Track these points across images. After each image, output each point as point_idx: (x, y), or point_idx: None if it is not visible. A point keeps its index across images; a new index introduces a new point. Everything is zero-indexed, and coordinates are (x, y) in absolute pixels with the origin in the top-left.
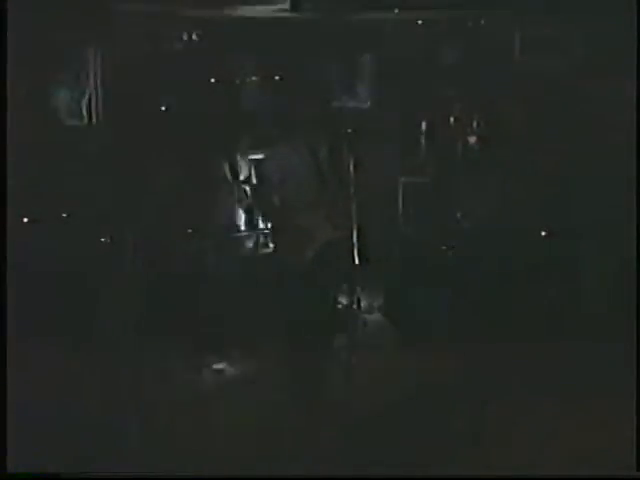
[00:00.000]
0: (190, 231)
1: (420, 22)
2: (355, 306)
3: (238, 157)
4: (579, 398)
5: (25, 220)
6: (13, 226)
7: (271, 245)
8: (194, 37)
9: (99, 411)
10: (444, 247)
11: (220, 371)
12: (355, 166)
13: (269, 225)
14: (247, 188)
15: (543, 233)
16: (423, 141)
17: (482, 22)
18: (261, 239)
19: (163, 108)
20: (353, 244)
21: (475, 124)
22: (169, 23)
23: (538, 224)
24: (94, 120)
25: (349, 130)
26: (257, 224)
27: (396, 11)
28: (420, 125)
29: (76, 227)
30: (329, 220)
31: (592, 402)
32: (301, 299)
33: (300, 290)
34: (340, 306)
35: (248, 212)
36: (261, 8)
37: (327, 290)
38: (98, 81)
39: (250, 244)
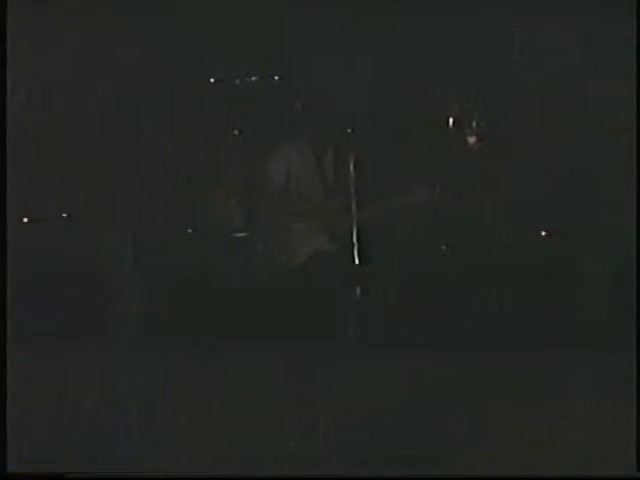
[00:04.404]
0: (190, 231)
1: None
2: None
3: (239, 157)
4: (579, 398)
5: (25, 220)
6: (13, 226)
7: (271, 245)
8: None
9: (100, 411)
10: (444, 247)
11: (220, 370)
12: (355, 166)
13: (269, 225)
14: (247, 188)
15: (543, 233)
16: (423, 141)
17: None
18: (261, 239)
19: (164, 108)
20: (353, 244)
21: (475, 124)
22: None
23: (538, 224)
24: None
25: (349, 130)
26: (257, 224)
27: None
28: (421, 124)
29: (76, 227)
30: (329, 220)
31: (592, 402)
32: (300, 300)
33: (300, 290)
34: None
35: (248, 212)
36: None
37: (327, 290)
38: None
39: (250, 244)
